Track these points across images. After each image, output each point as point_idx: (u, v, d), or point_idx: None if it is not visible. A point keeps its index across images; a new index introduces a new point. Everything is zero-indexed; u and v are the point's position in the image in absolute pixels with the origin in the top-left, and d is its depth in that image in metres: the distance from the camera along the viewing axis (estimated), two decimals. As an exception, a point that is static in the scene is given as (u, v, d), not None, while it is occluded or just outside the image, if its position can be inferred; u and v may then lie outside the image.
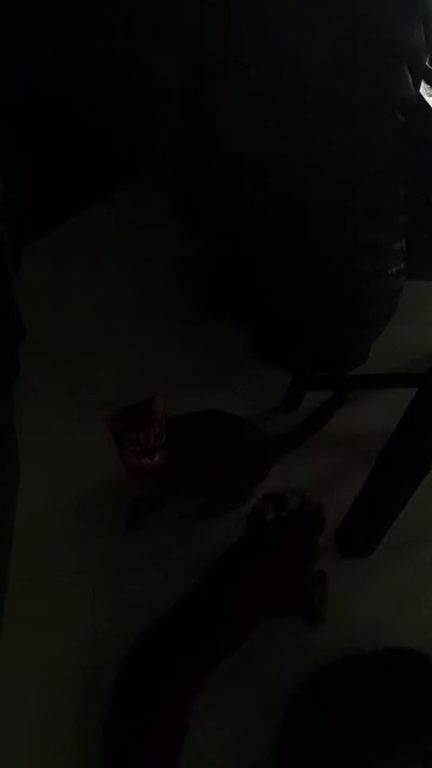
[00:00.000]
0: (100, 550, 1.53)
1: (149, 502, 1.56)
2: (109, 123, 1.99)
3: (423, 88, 1.17)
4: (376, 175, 1.17)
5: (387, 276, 1.36)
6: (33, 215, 2.09)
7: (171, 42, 1.80)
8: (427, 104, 1.11)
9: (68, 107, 1.88)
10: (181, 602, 1.27)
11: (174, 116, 1.95)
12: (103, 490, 1.64)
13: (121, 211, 2.29)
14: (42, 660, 1.36)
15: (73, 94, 1.83)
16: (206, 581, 1.30)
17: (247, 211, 1.45)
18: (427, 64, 1.13)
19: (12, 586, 1.44)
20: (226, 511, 1.60)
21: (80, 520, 1.58)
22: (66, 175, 2.08)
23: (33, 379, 1.82)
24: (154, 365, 1.89)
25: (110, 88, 1.95)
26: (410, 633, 1.49)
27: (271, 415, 1.86)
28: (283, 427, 1.77)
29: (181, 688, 1.20)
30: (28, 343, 1.90)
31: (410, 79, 1.09)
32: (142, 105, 2.06)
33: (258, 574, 1.31)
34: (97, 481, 1.65)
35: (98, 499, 1.62)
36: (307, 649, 1.42)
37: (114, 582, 1.48)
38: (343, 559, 1.59)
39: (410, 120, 1.12)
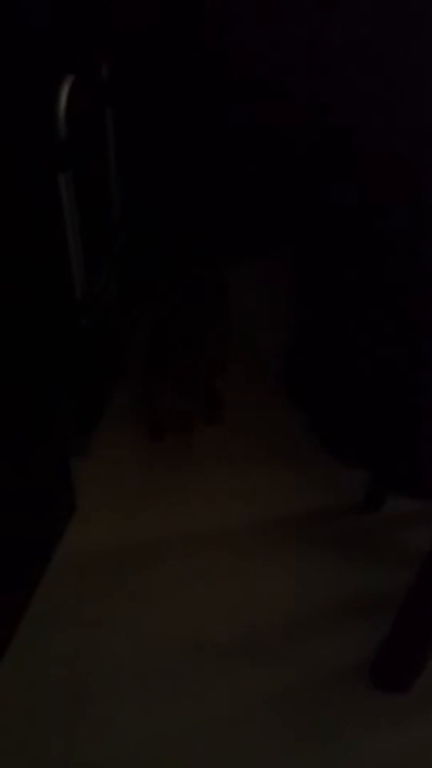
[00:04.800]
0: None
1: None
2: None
3: None
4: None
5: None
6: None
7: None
8: None
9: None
10: None
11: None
12: (154, 545, 1.73)
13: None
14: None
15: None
16: None
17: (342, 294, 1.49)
18: None
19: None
20: None
21: (114, 571, 1.67)
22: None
23: (119, 424, 1.96)
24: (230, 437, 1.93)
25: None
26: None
27: (350, 512, 1.82)
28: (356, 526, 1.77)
29: None
30: (130, 387, 2.06)
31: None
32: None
33: None
34: (150, 535, 1.74)
35: (145, 554, 1.71)
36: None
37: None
38: (373, 690, 1.50)
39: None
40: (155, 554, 1.71)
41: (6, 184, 1.43)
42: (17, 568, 1.55)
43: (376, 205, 1.25)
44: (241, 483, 1.82)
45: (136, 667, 1.51)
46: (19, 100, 1.39)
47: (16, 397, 1.41)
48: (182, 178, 2.03)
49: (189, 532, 1.75)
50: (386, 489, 1.73)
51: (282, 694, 1.49)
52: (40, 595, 1.60)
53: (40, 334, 1.47)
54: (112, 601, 1.60)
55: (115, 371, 2.02)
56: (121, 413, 1.99)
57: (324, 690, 1.50)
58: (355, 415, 1.55)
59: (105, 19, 1.64)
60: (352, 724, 1.46)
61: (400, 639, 1.42)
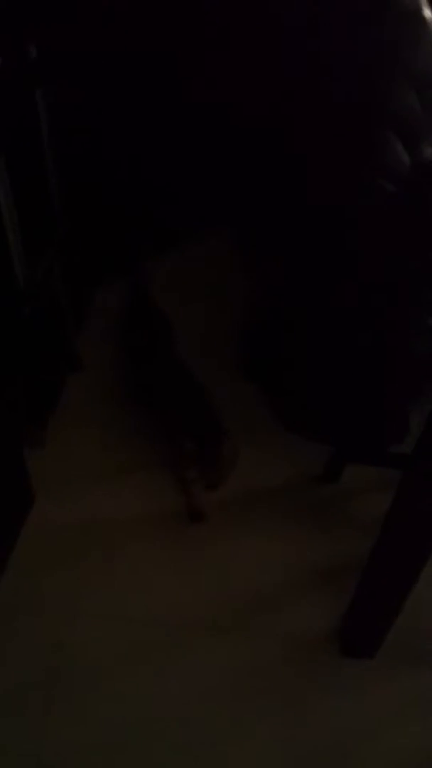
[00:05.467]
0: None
1: None
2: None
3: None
4: (368, 243, 1.16)
5: (409, 354, 1.33)
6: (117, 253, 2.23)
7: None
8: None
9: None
10: None
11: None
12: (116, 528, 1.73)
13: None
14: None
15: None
16: None
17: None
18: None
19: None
20: None
21: (76, 557, 1.67)
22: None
23: (74, 414, 1.95)
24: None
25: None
26: (403, 752, 1.42)
27: (310, 484, 1.84)
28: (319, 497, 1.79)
29: None
30: (84, 376, 2.05)
31: (398, 146, 1.07)
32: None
33: None
34: (111, 519, 1.74)
35: (108, 537, 1.71)
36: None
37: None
38: (342, 657, 1.53)
39: (408, 190, 1.11)
40: (118, 537, 1.71)
41: None
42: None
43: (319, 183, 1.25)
44: (201, 461, 1.83)
45: (106, 649, 1.51)
46: None
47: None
48: (124, 161, 2.00)
49: (150, 512, 1.76)
50: (346, 460, 1.76)
51: (255, 664, 1.52)
52: (3, 585, 1.59)
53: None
54: (76, 587, 1.60)
55: (66, 360, 2.01)
56: (77, 402, 1.98)
57: (296, 658, 1.53)
58: (313, 389, 1.57)
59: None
60: (323, 691, 1.49)
61: (363, 605, 1.45)
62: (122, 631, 1.54)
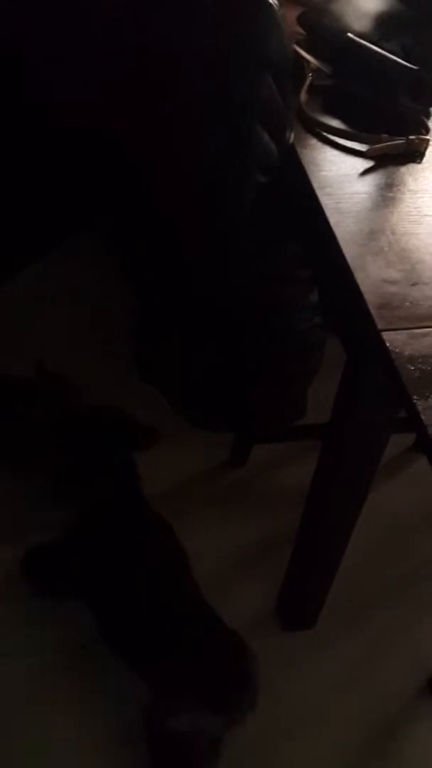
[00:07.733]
0: None
1: None
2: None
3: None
4: (248, 234, 1.19)
5: (295, 333, 1.38)
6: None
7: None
8: (297, 156, 1.14)
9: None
10: None
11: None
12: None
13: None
14: None
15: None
16: None
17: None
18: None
19: None
20: None
21: None
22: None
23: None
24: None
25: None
26: (360, 709, 1.50)
27: (221, 470, 1.88)
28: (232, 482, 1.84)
29: None
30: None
31: (265, 136, 1.11)
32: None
33: None
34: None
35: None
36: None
37: None
38: (284, 632, 1.59)
39: (277, 176, 1.15)
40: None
41: None
42: None
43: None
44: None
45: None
46: None
47: None
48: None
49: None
50: (252, 442, 1.80)
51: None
52: None
53: None
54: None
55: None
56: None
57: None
58: (206, 385, 1.58)
59: None
60: (271, 667, 1.53)
61: (298, 578, 1.50)
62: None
